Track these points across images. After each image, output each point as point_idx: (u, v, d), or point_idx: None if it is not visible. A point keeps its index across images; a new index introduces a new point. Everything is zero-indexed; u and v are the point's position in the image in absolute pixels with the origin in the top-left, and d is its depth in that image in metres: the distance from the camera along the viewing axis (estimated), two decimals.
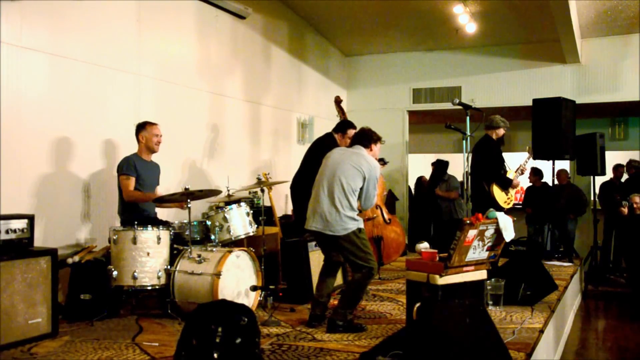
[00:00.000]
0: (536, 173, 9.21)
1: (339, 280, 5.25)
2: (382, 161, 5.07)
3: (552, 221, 8.35)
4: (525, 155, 6.82)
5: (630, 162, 9.05)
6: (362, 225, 4.27)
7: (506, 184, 6.18)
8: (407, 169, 9.85)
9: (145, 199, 4.71)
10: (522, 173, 6.52)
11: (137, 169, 4.71)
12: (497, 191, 6.17)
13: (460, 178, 9.70)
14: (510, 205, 6.33)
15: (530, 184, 9.41)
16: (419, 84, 9.55)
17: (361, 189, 4.21)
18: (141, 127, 4.85)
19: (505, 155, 6.47)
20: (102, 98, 5.24)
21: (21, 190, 4.51)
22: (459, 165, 8.96)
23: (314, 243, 5.21)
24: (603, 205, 9.02)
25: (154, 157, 4.98)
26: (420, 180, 10.66)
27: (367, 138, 4.41)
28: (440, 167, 9.07)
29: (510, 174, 6.34)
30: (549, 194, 8.53)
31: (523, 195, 9.89)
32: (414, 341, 3.00)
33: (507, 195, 6.30)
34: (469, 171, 5.61)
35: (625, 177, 9.28)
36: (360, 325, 4.19)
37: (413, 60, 9.60)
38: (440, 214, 8.88)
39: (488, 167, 6.16)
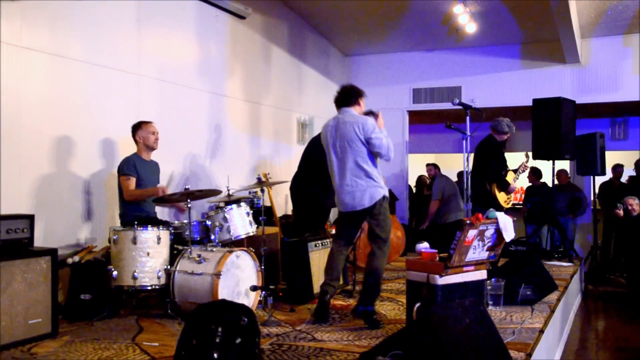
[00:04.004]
0: (534, 173, 9.24)
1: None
2: (372, 113, 4.99)
3: (551, 221, 8.35)
4: (522, 159, 6.80)
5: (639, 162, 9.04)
6: (387, 194, 4.30)
7: (504, 186, 6.24)
8: (407, 169, 9.86)
9: (145, 194, 4.71)
10: (518, 177, 6.57)
11: (137, 169, 4.71)
12: (497, 191, 6.23)
13: (455, 178, 9.71)
14: (510, 205, 6.37)
15: (530, 183, 9.42)
16: (419, 84, 9.56)
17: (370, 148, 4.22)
18: (137, 127, 4.85)
19: (505, 155, 6.50)
20: (102, 98, 5.24)
21: (21, 190, 4.51)
22: (458, 166, 8.97)
23: (314, 243, 5.21)
24: (603, 206, 9.01)
25: (155, 156, 4.99)
26: (420, 179, 10.65)
27: (352, 95, 4.35)
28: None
29: (510, 176, 6.38)
30: (549, 194, 8.54)
31: (523, 195, 9.92)
32: (414, 341, 2.99)
33: (507, 194, 6.34)
34: (469, 170, 5.62)
35: (627, 175, 9.26)
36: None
37: (413, 60, 9.60)
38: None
39: (490, 167, 6.21)
